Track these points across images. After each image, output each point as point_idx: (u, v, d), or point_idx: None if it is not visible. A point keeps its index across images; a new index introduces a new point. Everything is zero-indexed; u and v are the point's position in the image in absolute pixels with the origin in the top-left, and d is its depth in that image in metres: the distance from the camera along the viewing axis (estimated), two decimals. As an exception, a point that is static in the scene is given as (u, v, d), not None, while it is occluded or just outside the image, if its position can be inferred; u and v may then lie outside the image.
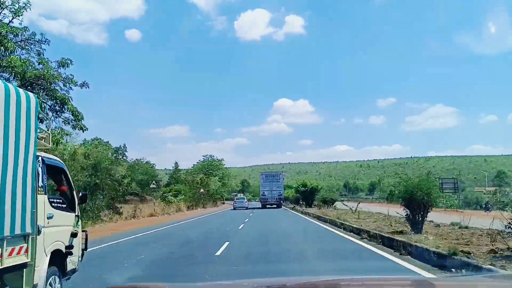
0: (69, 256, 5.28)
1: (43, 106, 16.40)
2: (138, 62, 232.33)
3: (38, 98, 5.36)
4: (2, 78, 15.24)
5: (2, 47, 15.77)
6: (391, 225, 13.50)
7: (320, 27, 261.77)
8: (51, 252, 4.77)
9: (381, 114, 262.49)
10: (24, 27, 17.10)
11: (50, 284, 4.70)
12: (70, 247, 5.28)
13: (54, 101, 17.82)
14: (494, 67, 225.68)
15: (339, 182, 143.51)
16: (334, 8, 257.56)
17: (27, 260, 4.21)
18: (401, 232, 11.09)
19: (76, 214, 5.69)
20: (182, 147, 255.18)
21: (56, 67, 17.91)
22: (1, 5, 16.15)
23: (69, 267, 5.36)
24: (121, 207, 26.71)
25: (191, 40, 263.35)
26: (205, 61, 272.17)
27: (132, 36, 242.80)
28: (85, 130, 18.82)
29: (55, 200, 5.12)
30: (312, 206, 35.56)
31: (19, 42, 16.99)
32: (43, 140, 5.24)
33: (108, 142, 50.92)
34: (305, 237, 14.70)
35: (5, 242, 3.83)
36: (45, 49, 18.06)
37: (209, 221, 25.17)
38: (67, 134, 20.39)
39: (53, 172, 5.43)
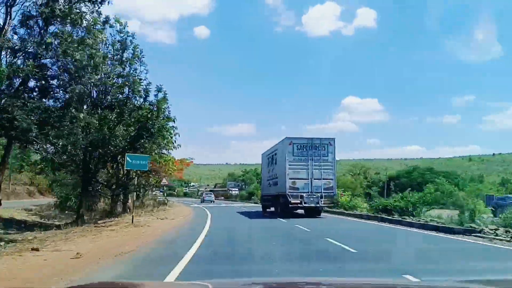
0: None
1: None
2: (206, 59, 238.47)
3: None
4: None
5: None
6: None
7: (392, 20, 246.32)
8: None
9: (457, 113, 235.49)
10: None
11: None
12: None
13: None
14: None
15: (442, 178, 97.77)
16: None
17: None
18: None
19: None
20: (246, 144, 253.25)
21: None
22: None
23: None
24: None
25: (258, 36, 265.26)
26: (272, 57, 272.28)
27: (201, 33, 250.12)
28: None
29: None
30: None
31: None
32: None
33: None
34: None
35: None
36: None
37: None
38: None
39: None
